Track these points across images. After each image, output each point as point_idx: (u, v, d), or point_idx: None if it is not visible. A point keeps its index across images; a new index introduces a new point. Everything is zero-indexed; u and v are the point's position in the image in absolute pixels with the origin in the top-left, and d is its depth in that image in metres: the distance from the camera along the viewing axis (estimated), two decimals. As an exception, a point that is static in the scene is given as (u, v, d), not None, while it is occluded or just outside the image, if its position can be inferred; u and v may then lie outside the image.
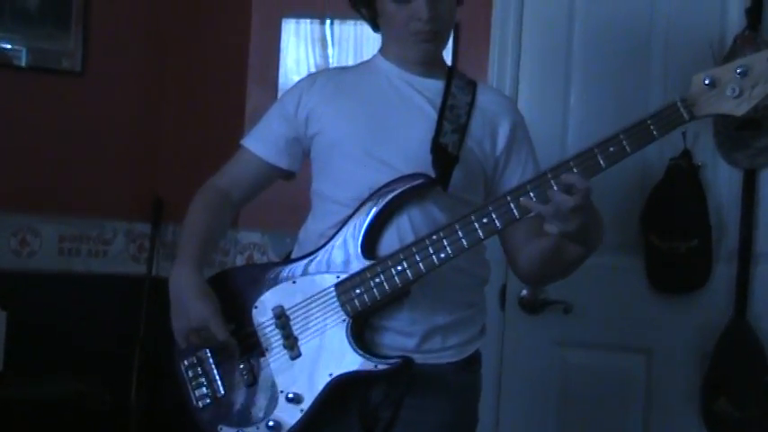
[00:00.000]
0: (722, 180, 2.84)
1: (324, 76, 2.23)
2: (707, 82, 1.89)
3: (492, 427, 2.95)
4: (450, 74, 2.17)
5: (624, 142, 1.89)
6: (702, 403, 2.80)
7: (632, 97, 2.87)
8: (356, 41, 3.27)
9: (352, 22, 3.18)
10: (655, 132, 1.89)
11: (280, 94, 3.12)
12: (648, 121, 1.89)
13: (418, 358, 2.01)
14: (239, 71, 3.40)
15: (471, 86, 2.16)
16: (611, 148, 1.89)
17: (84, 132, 3.52)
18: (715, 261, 2.82)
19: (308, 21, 3.35)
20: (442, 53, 2.18)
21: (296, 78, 2.91)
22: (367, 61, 2.25)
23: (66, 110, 3.50)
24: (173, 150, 3.60)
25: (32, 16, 3.43)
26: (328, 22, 3.33)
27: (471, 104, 2.11)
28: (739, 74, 1.88)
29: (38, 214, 3.46)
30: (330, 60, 3.33)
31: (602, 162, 1.90)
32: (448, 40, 2.17)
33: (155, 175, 3.59)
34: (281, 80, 3.31)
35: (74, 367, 3.42)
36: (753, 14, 2.75)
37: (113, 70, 3.56)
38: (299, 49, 3.36)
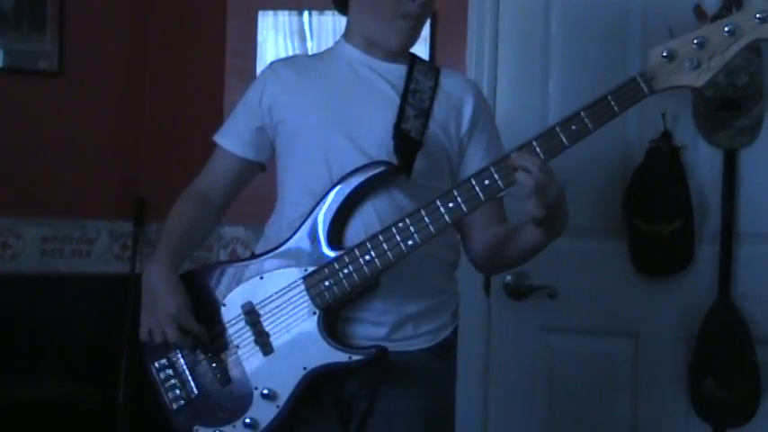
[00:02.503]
0: (703, 161, 2.82)
1: (286, 65, 2.20)
2: (665, 55, 1.88)
3: (480, 412, 2.94)
4: (412, 59, 2.14)
5: (586, 120, 1.88)
6: (690, 385, 2.80)
7: (611, 81, 2.81)
8: (335, 33, 3.23)
9: (330, 13, 3.16)
10: (616, 108, 1.89)
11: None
12: (609, 98, 1.89)
13: (389, 346, 1.99)
14: (217, 66, 3.38)
15: (434, 71, 2.13)
16: (573, 127, 1.88)
17: (64, 133, 3.52)
18: (698, 242, 2.80)
19: (286, 13, 3.32)
20: None
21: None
22: (330, 48, 2.23)
23: (45, 111, 3.49)
24: (153, 148, 3.58)
25: (7, 18, 3.41)
26: (306, 13, 3.31)
27: (434, 88, 2.09)
28: (696, 45, 1.86)
29: (20, 216, 3.45)
30: (309, 53, 3.31)
31: (564, 141, 1.89)
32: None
33: (136, 172, 3.57)
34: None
35: (61, 367, 3.42)
36: (730, -6, 2.73)
37: (91, 69, 3.55)
38: (278, 42, 3.34)
